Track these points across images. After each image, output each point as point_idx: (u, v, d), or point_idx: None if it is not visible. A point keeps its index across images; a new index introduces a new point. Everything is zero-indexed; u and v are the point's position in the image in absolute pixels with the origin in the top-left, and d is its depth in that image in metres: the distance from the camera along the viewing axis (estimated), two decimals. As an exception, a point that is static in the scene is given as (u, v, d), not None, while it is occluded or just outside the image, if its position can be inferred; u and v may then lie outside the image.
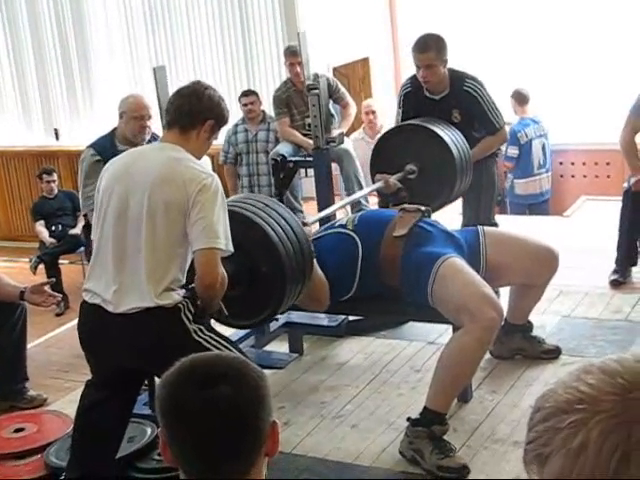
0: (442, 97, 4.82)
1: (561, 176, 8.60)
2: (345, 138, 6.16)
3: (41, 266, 8.18)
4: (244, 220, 3.57)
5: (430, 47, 4.65)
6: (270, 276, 3.58)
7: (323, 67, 7.52)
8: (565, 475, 0.88)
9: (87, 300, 3.27)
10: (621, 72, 8.09)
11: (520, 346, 4.45)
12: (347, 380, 4.47)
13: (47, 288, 4.39)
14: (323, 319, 4.79)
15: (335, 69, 8.48)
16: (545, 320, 4.83)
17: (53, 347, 5.51)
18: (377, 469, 3.68)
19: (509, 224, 5.69)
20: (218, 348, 3.10)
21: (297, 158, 5.98)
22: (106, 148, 4.65)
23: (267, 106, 7.38)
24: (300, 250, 3.65)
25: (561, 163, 8.60)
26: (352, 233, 4.04)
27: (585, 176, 8.61)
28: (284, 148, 6.52)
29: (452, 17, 8.64)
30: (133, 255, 3.16)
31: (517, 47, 8.61)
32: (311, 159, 5.37)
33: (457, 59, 4.90)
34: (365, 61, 9.03)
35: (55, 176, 8.68)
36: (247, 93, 7.35)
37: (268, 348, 4.72)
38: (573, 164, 8.66)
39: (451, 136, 4.69)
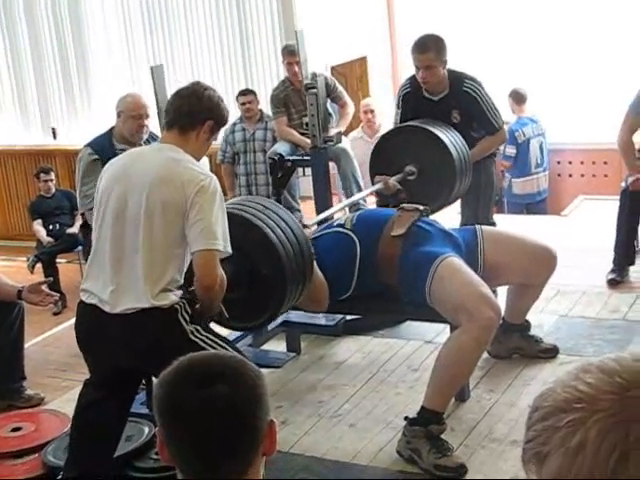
0: (441, 98, 4.82)
1: (558, 175, 8.61)
2: (343, 137, 6.16)
3: (39, 265, 8.17)
4: (244, 222, 3.57)
5: (430, 48, 4.65)
6: (270, 278, 3.58)
7: (321, 66, 7.51)
8: (563, 474, 0.88)
9: (84, 300, 3.27)
10: (619, 71, 8.10)
11: (518, 345, 4.45)
12: (345, 379, 4.47)
13: (44, 287, 4.39)
14: (321, 318, 4.79)
15: (333, 68, 8.48)
16: (543, 319, 4.83)
17: (51, 346, 5.51)
18: (375, 468, 3.68)
19: (507, 223, 5.69)
20: (215, 348, 3.10)
21: (295, 157, 5.98)
22: (104, 147, 4.65)
23: (265, 105, 7.37)
24: (300, 252, 3.65)
25: (559, 162, 8.61)
26: (350, 232, 4.04)
27: (583, 175, 8.62)
28: (282, 147, 6.51)
29: (450, 16, 8.64)
30: (131, 255, 3.16)
31: (515, 46, 8.61)
32: (309, 158, 5.36)
33: (455, 58, 4.89)
34: (363, 60, 9.03)
35: (53, 175, 8.67)
36: (245, 92, 7.35)
37: (266, 347, 4.72)
38: (571, 163, 8.67)
39: (450, 138, 4.69)
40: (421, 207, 4.11)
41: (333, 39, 8.36)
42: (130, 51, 9.49)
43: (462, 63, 5.22)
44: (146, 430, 3.87)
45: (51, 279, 5.02)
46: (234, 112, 7.05)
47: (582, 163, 8.62)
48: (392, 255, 3.94)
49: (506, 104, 7.92)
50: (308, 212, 6.49)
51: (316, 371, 4.61)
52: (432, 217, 4.26)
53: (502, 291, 4.39)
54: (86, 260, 5.67)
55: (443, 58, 4.69)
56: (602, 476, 0.85)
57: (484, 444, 3.75)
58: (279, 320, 4.65)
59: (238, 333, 4.46)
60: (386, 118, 7.90)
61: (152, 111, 4.58)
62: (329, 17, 8.44)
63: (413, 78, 4.86)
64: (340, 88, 6.76)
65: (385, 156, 4.81)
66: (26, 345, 4.84)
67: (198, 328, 3.17)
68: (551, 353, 4.44)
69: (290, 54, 6.47)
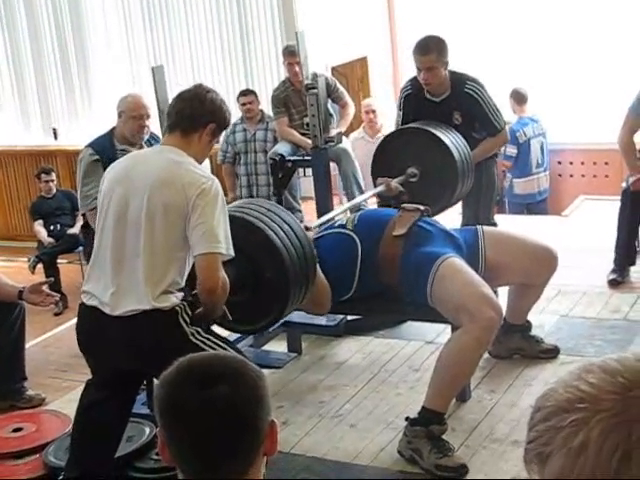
0: (443, 99, 4.81)
1: (559, 175, 8.60)
2: (344, 138, 6.16)
3: (40, 265, 8.18)
4: (247, 225, 3.57)
5: (431, 49, 4.65)
6: (274, 281, 3.58)
7: (321, 66, 7.51)
8: (566, 474, 0.88)
9: (85, 302, 3.27)
10: (619, 71, 8.09)
11: (519, 345, 4.45)
12: (346, 380, 4.47)
13: (45, 288, 4.39)
14: (321, 319, 4.78)
15: (333, 68, 8.48)
16: (543, 319, 4.83)
17: (52, 346, 5.51)
18: (375, 468, 3.68)
19: (508, 224, 5.69)
20: (216, 350, 3.10)
21: (295, 158, 5.99)
22: (105, 147, 4.65)
23: (265, 106, 7.38)
24: (303, 255, 3.65)
25: (559, 162, 8.61)
26: (352, 233, 4.04)
27: (583, 176, 8.62)
28: (282, 148, 6.51)
29: (451, 16, 8.64)
30: (132, 258, 3.16)
31: (516, 46, 8.61)
32: (309, 159, 5.37)
33: (456, 58, 4.89)
34: (363, 60, 9.02)
35: (54, 176, 8.68)
36: (245, 92, 7.35)
37: (266, 347, 4.72)
38: (571, 163, 8.67)
39: (452, 139, 4.68)
40: (422, 207, 4.11)
41: (334, 39, 8.36)
42: (131, 52, 9.49)
43: (463, 63, 5.22)
44: (147, 430, 3.87)
45: (52, 279, 5.01)
46: (235, 112, 7.05)
47: (583, 163, 8.62)
48: (393, 255, 3.94)
49: (507, 104, 7.92)
50: (309, 212, 6.49)
51: (317, 371, 4.61)
52: (433, 217, 4.26)
53: (503, 291, 4.39)
54: (87, 261, 5.67)
55: (445, 59, 4.69)
56: (605, 476, 0.85)
57: (485, 444, 3.75)
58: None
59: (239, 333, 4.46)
60: (387, 118, 7.92)
61: (153, 111, 4.59)
62: (330, 17, 8.44)
63: (414, 79, 4.86)
64: (341, 88, 6.76)
65: (387, 158, 4.80)
66: (27, 345, 4.85)
67: (199, 330, 3.17)
68: (552, 353, 4.44)
69: (291, 54, 6.48)
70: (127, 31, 9.44)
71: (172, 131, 3.29)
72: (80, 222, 7.40)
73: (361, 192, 6.58)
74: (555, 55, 8.48)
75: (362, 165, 6.82)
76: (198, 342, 3.12)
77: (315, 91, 4.93)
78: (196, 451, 1.46)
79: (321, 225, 4.17)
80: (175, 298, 3.16)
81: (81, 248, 7.87)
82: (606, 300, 5.16)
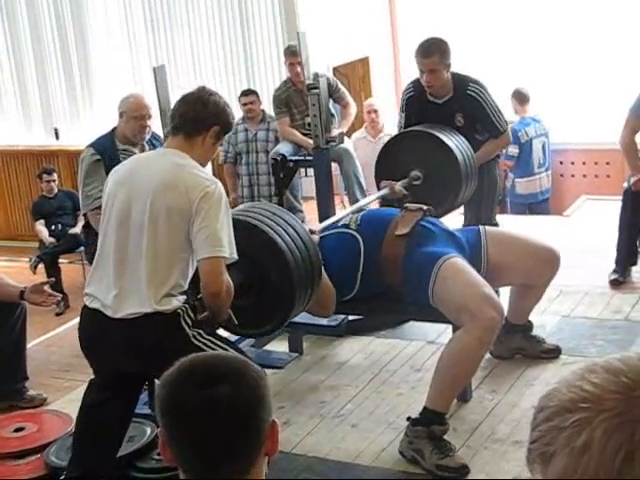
0: (445, 101, 4.81)
1: (561, 175, 8.60)
2: (345, 138, 6.16)
3: (41, 265, 8.18)
4: (252, 229, 3.58)
5: (434, 52, 4.65)
6: (279, 284, 3.58)
7: (323, 67, 7.51)
8: (569, 474, 0.88)
9: (87, 304, 3.27)
10: (621, 71, 8.09)
11: (520, 346, 4.45)
12: (347, 380, 4.47)
13: (47, 288, 4.39)
14: (323, 319, 4.78)
15: (335, 69, 8.48)
16: (545, 320, 4.83)
17: (53, 346, 5.51)
18: (377, 469, 3.67)
19: (509, 224, 5.69)
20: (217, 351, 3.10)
21: (297, 158, 5.98)
22: (106, 147, 4.65)
23: (267, 106, 7.38)
24: (308, 258, 3.66)
25: (561, 162, 8.61)
26: (355, 233, 4.05)
27: (585, 176, 8.62)
28: (284, 148, 6.51)
29: (452, 16, 8.63)
30: (134, 260, 3.16)
31: (517, 46, 8.60)
32: (311, 158, 5.36)
33: (457, 58, 4.89)
34: (365, 60, 9.03)
35: (55, 176, 8.68)
36: (247, 93, 7.35)
37: (268, 348, 4.72)
38: (573, 163, 8.67)
39: (455, 142, 4.68)
40: (425, 207, 4.11)
41: (335, 40, 8.36)
42: (132, 52, 9.49)
43: (465, 63, 5.22)
44: (148, 431, 3.87)
45: (53, 280, 5.02)
46: (236, 112, 7.05)
47: (584, 163, 8.62)
48: (396, 255, 3.94)
49: (509, 104, 7.93)
50: (310, 212, 6.49)
51: (318, 372, 4.60)
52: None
53: (505, 291, 4.39)
54: (88, 261, 5.66)
55: (447, 62, 4.69)
56: (608, 476, 0.85)
57: (486, 445, 3.74)
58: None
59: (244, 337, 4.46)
60: (389, 118, 7.91)
61: (154, 112, 4.59)
62: (331, 18, 8.44)
63: (417, 82, 4.86)
64: (342, 88, 6.76)
65: (390, 161, 4.80)
66: (29, 345, 4.85)
67: (201, 332, 3.16)
68: (553, 353, 4.44)
69: (292, 55, 6.48)
70: (129, 31, 9.45)
71: (175, 134, 3.28)
72: (81, 222, 7.38)
73: (362, 192, 6.59)
74: (556, 55, 8.47)
75: (364, 165, 6.81)
76: (200, 344, 3.12)
77: (317, 91, 4.93)
78: (197, 451, 1.46)
79: (325, 228, 4.16)
80: (177, 301, 3.15)
81: (82, 248, 7.85)
82: (608, 300, 5.16)
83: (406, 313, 4.29)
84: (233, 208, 3.57)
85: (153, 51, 9.34)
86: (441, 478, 3.56)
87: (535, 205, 8.18)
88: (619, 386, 0.88)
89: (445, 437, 3.64)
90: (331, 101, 6.26)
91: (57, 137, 10.10)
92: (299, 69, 6.20)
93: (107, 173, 4.49)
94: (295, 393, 4.38)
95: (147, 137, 4.67)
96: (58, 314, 7.39)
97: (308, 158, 5.63)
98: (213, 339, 3.18)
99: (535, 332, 4.50)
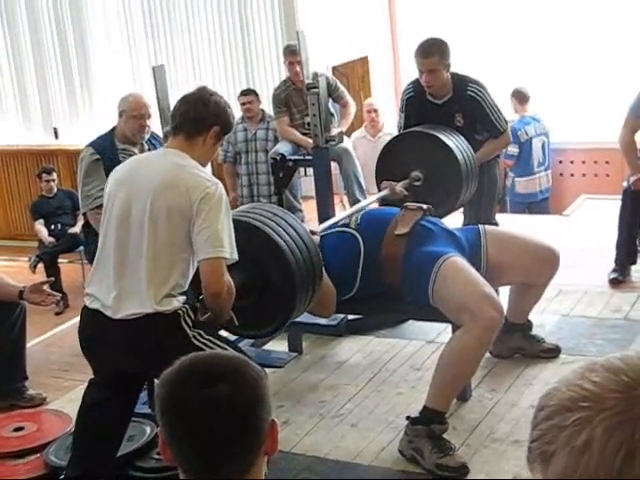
0: (445, 101, 4.81)
1: (560, 175, 8.60)
2: (345, 137, 6.16)
3: (40, 265, 8.18)
4: (253, 229, 3.58)
5: (433, 52, 4.64)
6: (280, 285, 3.58)
7: (322, 66, 7.51)
8: (569, 473, 0.88)
9: (87, 305, 3.27)
10: (620, 71, 8.09)
11: (519, 345, 4.45)
12: (346, 379, 4.47)
13: (46, 287, 4.39)
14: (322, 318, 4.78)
15: (334, 68, 8.48)
16: (544, 319, 4.83)
17: (53, 346, 5.51)
18: (377, 468, 3.68)
19: (509, 223, 5.69)
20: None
21: (296, 157, 5.98)
22: (105, 147, 4.65)
23: (266, 105, 7.38)
24: (309, 259, 3.66)
25: (560, 162, 8.61)
26: (354, 232, 4.05)
27: (584, 175, 8.62)
28: (283, 147, 6.51)
29: (452, 16, 8.63)
30: (134, 260, 3.16)
31: (517, 46, 8.60)
32: (310, 158, 5.36)
33: (457, 57, 4.89)
34: (364, 60, 9.02)
35: (54, 175, 8.67)
36: (246, 92, 7.35)
37: (267, 347, 4.71)
38: (572, 163, 8.67)
39: (456, 143, 4.68)
40: (425, 206, 4.11)
41: (334, 39, 8.36)
42: (132, 51, 9.49)
43: (464, 62, 5.22)
44: (148, 430, 3.87)
45: (52, 279, 5.02)
46: (236, 112, 7.05)
47: (584, 162, 8.62)
48: (395, 255, 3.94)
49: (509, 104, 7.93)
50: (310, 212, 6.49)
51: (318, 371, 4.60)
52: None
53: (504, 291, 4.39)
54: (88, 260, 5.65)
55: (446, 62, 4.69)
56: (608, 475, 0.85)
57: (486, 444, 3.74)
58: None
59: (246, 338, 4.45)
60: (388, 118, 7.91)
61: (153, 111, 4.59)
62: (330, 17, 8.44)
63: (416, 82, 4.86)
64: (342, 88, 6.76)
65: (391, 162, 4.80)
66: (28, 345, 4.84)
67: (201, 332, 3.16)
68: (553, 353, 4.44)
69: (291, 54, 6.48)
70: (128, 30, 9.44)
71: (176, 134, 3.28)
72: (81, 221, 7.38)
73: (362, 192, 6.59)
74: (556, 54, 8.47)
75: (363, 164, 6.81)
76: (200, 344, 3.11)
77: (316, 90, 4.93)
78: (197, 450, 1.45)
79: (326, 229, 4.16)
80: (177, 301, 3.15)
81: (82, 248, 7.85)
82: (607, 299, 5.16)
83: (406, 312, 4.29)
84: (232, 208, 3.57)
85: (152, 51, 9.34)
86: (441, 477, 3.56)
87: (535, 204, 8.18)
88: (619, 385, 0.88)
89: (445, 436, 3.64)
90: (330, 100, 6.26)
91: (56, 137, 10.10)
92: (298, 68, 6.20)
93: (106, 173, 4.50)
94: (294, 392, 4.38)
95: (146, 136, 4.67)
96: (57, 313, 7.38)
97: (307, 157, 5.62)
98: (213, 339, 3.18)
99: (534, 331, 4.50)
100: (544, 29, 8.51)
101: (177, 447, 1.47)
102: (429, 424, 3.62)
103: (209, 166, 5.19)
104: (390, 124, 7.65)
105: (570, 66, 8.44)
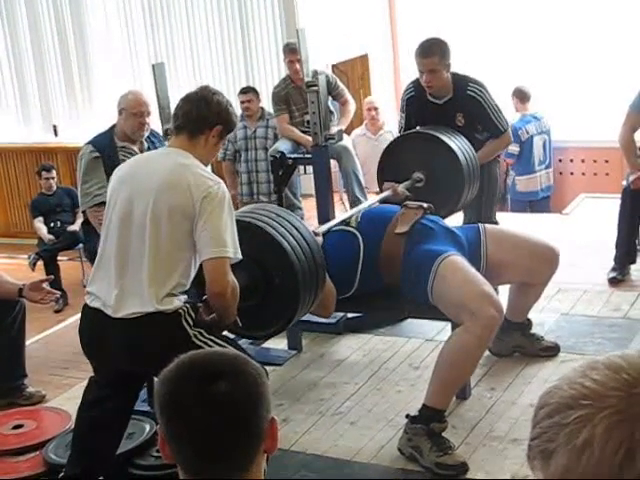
0: (445, 101, 4.80)
1: (560, 173, 8.61)
2: (344, 135, 6.15)
3: (40, 263, 8.18)
4: (256, 230, 3.58)
5: (434, 52, 4.64)
6: (284, 286, 3.58)
7: (322, 64, 7.51)
8: (570, 471, 0.88)
9: (88, 303, 3.27)
10: (620, 70, 8.09)
11: (519, 343, 4.45)
12: (346, 377, 4.47)
13: (46, 285, 4.39)
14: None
15: (334, 66, 8.48)
16: (544, 318, 4.83)
17: (52, 344, 5.51)
18: (376, 466, 3.68)
19: (509, 222, 5.69)
20: None
21: (296, 155, 5.98)
22: (105, 145, 4.65)
23: (266, 103, 7.37)
24: (313, 259, 3.66)
25: (560, 160, 8.61)
26: (355, 230, 4.05)
27: (584, 174, 8.62)
28: (283, 145, 6.51)
29: (452, 14, 8.63)
30: (136, 259, 3.15)
31: (518, 44, 8.59)
32: (310, 156, 5.35)
33: (458, 56, 4.88)
34: (364, 58, 9.02)
35: (54, 173, 8.66)
36: (245, 90, 7.34)
37: (267, 345, 4.72)
38: (572, 161, 8.67)
39: (458, 144, 4.67)
40: (425, 205, 4.11)
41: (334, 37, 8.35)
42: (131, 49, 9.48)
43: (465, 61, 5.22)
44: (147, 428, 3.87)
45: (52, 277, 5.02)
46: (236, 110, 7.05)
47: (583, 161, 8.62)
48: (395, 253, 3.94)
49: (510, 102, 7.93)
50: (309, 210, 6.49)
51: (317, 369, 4.61)
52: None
53: (504, 289, 4.39)
54: (87, 258, 5.65)
55: (447, 62, 4.68)
56: (609, 473, 0.85)
57: (485, 442, 3.75)
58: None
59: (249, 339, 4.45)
60: (387, 116, 7.92)
61: (153, 109, 4.58)
62: (330, 15, 8.43)
63: (417, 82, 4.85)
64: (341, 86, 6.76)
65: (393, 163, 4.80)
66: (27, 343, 4.85)
67: (201, 331, 3.15)
68: (552, 351, 4.45)
69: (291, 52, 6.48)
70: (128, 28, 9.43)
71: (179, 133, 3.28)
72: (80, 219, 7.37)
73: (361, 190, 6.59)
74: (556, 53, 8.47)
75: (363, 162, 6.81)
76: (201, 343, 3.11)
77: (316, 88, 4.92)
78: (196, 448, 1.45)
79: (329, 230, 4.15)
80: (178, 301, 3.15)
81: (81, 245, 7.87)
82: (606, 298, 5.17)
83: (405, 311, 4.29)
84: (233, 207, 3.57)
85: (152, 48, 9.33)
86: (440, 475, 3.56)
87: (535, 203, 8.19)
88: (620, 383, 0.88)
89: (444, 434, 3.64)
90: (330, 99, 6.26)
91: (56, 134, 10.09)
92: (298, 66, 6.20)
93: (106, 170, 4.51)
94: (294, 390, 4.38)
95: (146, 134, 4.67)
96: (57, 311, 7.38)
97: (307, 156, 5.62)
98: (214, 338, 3.17)
99: (534, 330, 4.50)
100: (545, 27, 8.51)
101: (176, 444, 1.47)
102: (428, 422, 3.62)
103: (209, 164, 5.18)
104: (391, 122, 7.65)
105: (569, 65, 8.44)
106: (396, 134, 5.56)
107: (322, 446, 3.84)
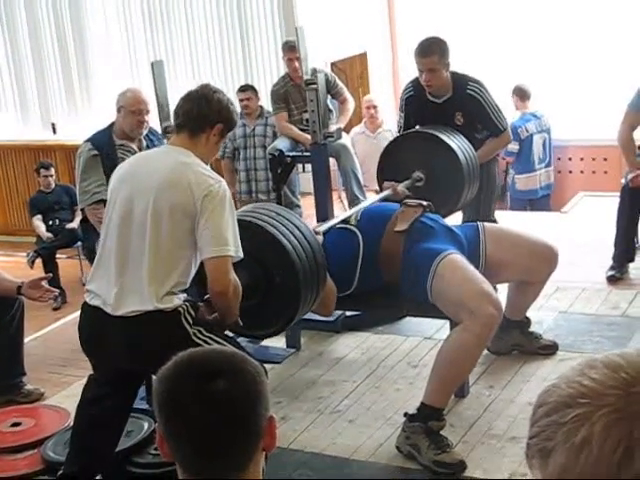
0: (445, 100, 4.80)
1: (559, 172, 8.61)
2: (343, 133, 6.15)
3: (38, 260, 8.18)
4: (257, 229, 3.58)
5: (433, 51, 4.64)
6: (285, 285, 3.58)
7: (321, 62, 7.51)
8: (568, 470, 0.88)
9: (88, 301, 3.26)
10: (619, 68, 8.09)
11: (517, 342, 4.46)
12: (344, 375, 4.47)
13: (44, 283, 4.39)
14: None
15: (333, 64, 8.48)
16: (542, 316, 4.83)
17: (50, 341, 5.51)
18: (374, 464, 3.68)
19: (508, 220, 5.69)
20: None
21: (295, 153, 5.98)
22: (103, 143, 4.65)
23: (265, 101, 7.37)
24: (314, 258, 3.66)
25: (559, 159, 8.61)
26: (354, 228, 4.05)
27: (582, 172, 8.62)
28: (282, 143, 6.51)
29: (451, 12, 8.63)
30: (136, 258, 3.15)
31: (517, 43, 8.59)
32: (309, 154, 5.36)
33: (457, 54, 4.88)
34: (363, 56, 9.02)
35: (52, 171, 8.67)
36: (244, 89, 7.34)
37: (265, 343, 4.72)
38: (571, 160, 8.67)
39: (458, 143, 4.67)
40: (424, 203, 4.11)
41: (333, 35, 8.35)
42: (130, 47, 9.48)
43: (465, 59, 5.21)
44: (145, 426, 3.87)
45: (51, 275, 5.01)
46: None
47: (582, 160, 8.62)
48: (395, 251, 3.94)
49: (510, 101, 7.94)
50: (308, 208, 6.49)
51: (315, 367, 4.61)
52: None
53: (502, 288, 4.39)
54: (86, 256, 5.64)
55: (446, 61, 4.68)
56: (607, 472, 0.85)
57: (483, 440, 3.75)
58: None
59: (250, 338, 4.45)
60: (386, 114, 7.92)
61: (152, 107, 4.58)
62: (329, 13, 8.43)
63: (416, 81, 4.85)
64: (340, 84, 6.75)
65: (393, 162, 4.79)
66: (26, 340, 4.84)
67: (201, 329, 3.15)
68: (551, 350, 4.45)
69: (290, 50, 6.47)
70: (126, 26, 9.43)
71: (179, 132, 3.27)
72: (79, 217, 7.38)
73: (360, 188, 6.59)
74: (555, 52, 8.47)
75: (362, 160, 6.81)
76: (200, 342, 3.10)
77: (314, 87, 4.92)
78: (194, 446, 1.45)
79: (330, 229, 4.15)
80: (178, 299, 3.14)
81: (80, 243, 7.87)
82: (605, 296, 5.17)
83: (403, 309, 4.29)
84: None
85: (151, 46, 9.33)
86: (438, 474, 3.56)
87: (535, 201, 8.19)
88: (618, 382, 0.88)
89: (442, 433, 3.64)
90: (329, 97, 6.26)
91: (54, 132, 10.09)
92: (297, 64, 6.20)
93: (105, 168, 4.51)
94: (292, 388, 4.38)
95: (144, 132, 4.66)
96: (55, 309, 7.38)
97: (306, 154, 5.63)
98: (213, 336, 3.17)
99: (532, 328, 4.50)
100: (545, 26, 8.50)
101: (175, 442, 1.47)
102: (426, 421, 3.62)
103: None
104: (389, 120, 7.66)
105: (568, 63, 8.43)
106: (395, 132, 5.57)
107: (320, 444, 3.84)
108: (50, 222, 8.50)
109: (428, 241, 3.92)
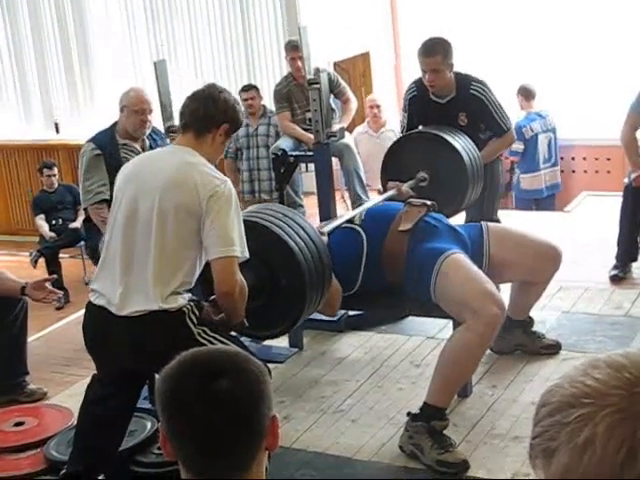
0: (448, 100, 4.79)
1: (562, 171, 8.60)
2: (346, 133, 6.15)
3: (41, 260, 8.18)
4: (262, 230, 3.58)
5: (437, 51, 4.63)
6: (291, 286, 3.58)
7: (324, 62, 7.50)
8: (571, 470, 0.88)
9: (92, 301, 3.26)
10: (622, 68, 8.08)
11: (520, 341, 4.45)
12: (347, 375, 4.47)
13: (48, 284, 4.39)
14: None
15: (336, 64, 8.47)
16: (545, 315, 4.83)
17: (53, 341, 5.51)
18: (377, 464, 3.68)
19: (512, 220, 5.69)
20: None
21: (298, 153, 5.98)
22: (106, 142, 4.65)
23: (268, 100, 7.37)
24: (319, 259, 3.66)
25: (562, 158, 8.60)
26: (358, 228, 4.05)
27: (586, 171, 8.61)
28: (285, 143, 6.51)
29: (455, 12, 8.62)
30: (141, 258, 3.14)
31: (522, 43, 8.57)
32: (312, 154, 5.35)
33: (461, 54, 4.87)
34: (366, 56, 9.01)
35: (55, 170, 8.67)
36: (247, 88, 7.34)
37: (268, 342, 4.71)
38: (574, 159, 8.66)
39: (462, 143, 4.67)
40: (428, 202, 4.11)
41: (336, 34, 8.35)
42: (133, 46, 9.48)
43: (469, 58, 5.21)
44: (149, 425, 3.87)
45: (55, 276, 5.03)
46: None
47: (585, 159, 8.61)
48: (398, 251, 3.94)
49: (515, 100, 7.93)
50: (311, 208, 6.49)
51: (318, 366, 4.61)
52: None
53: (505, 287, 4.38)
54: (89, 255, 5.65)
55: (450, 61, 4.68)
56: (610, 472, 0.85)
57: (486, 440, 3.75)
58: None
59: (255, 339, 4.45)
60: (389, 114, 7.92)
61: (155, 106, 4.58)
62: (332, 12, 8.43)
63: (419, 81, 4.85)
64: (343, 84, 6.76)
65: (397, 162, 4.79)
66: (29, 340, 4.85)
67: (205, 329, 3.15)
68: (553, 349, 4.45)
69: (293, 49, 6.47)
70: (129, 25, 9.44)
71: (185, 131, 3.27)
72: (82, 216, 7.37)
73: (363, 187, 6.59)
74: (558, 52, 8.46)
75: (365, 159, 6.81)
76: (205, 341, 3.10)
77: (317, 86, 4.92)
78: (197, 446, 1.45)
79: (335, 229, 4.15)
80: (182, 299, 3.14)
81: (83, 243, 7.86)
82: (608, 296, 5.16)
83: (406, 308, 4.29)
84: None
85: (154, 45, 9.33)
86: (441, 473, 3.56)
87: (540, 201, 8.18)
88: (622, 382, 0.88)
89: (445, 432, 3.64)
90: (332, 96, 6.26)
91: (57, 131, 10.10)
92: (300, 64, 6.20)
93: (107, 168, 4.51)
94: (295, 388, 4.38)
95: (147, 132, 4.67)
96: (58, 308, 7.37)
97: (309, 153, 5.62)
98: (217, 336, 3.17)
99: (535, 328, 4.50)
100: (549, 26, 8.49)
101: (178, 442, 1.47)
102: (429, 420, 3.62)
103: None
104: (391, 120, 7.66)
105: (572, 63, 8.42)
106: (398, 132, 5.56)
107: (323, 444, 3.84)
108: (53, 222, 8.50)
109: (432, 240, 3.91)
